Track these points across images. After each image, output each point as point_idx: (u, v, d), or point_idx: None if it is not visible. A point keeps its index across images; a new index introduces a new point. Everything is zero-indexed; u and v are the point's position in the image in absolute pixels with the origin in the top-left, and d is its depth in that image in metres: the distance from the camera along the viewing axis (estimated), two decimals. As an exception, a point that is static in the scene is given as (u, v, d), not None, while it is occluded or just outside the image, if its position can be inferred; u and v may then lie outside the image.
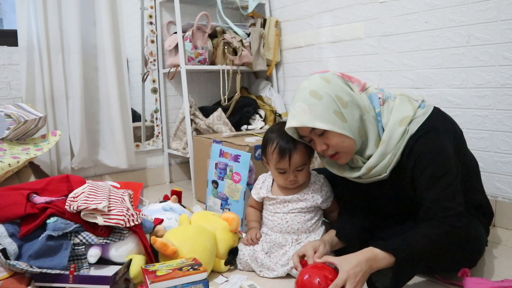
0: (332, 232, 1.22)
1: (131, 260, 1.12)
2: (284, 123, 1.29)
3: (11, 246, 1.04)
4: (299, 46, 2.36)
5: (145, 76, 2.34)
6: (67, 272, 1.03)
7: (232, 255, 1.28)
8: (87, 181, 1.29)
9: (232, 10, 2.55)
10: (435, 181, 1.03)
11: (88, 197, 1.15)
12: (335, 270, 0.98)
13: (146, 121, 2.46)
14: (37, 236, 1.08)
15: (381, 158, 1.09)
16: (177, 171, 2.56)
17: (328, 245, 1.15)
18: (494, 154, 1.60)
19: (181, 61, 2.16)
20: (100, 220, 1.10)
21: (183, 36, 2.17)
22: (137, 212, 1.25)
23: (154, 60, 2.38)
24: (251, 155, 1.54)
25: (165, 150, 2.48)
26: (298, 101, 1.07)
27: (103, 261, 1.12)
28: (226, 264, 1.26)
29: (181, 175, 2.58)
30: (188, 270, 1.02)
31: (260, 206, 1.40)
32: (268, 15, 2.49)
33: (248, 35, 2.36)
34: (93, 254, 1.09)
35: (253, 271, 1.25)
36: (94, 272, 1.07)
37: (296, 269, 1.11)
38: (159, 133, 2.45)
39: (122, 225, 1.12)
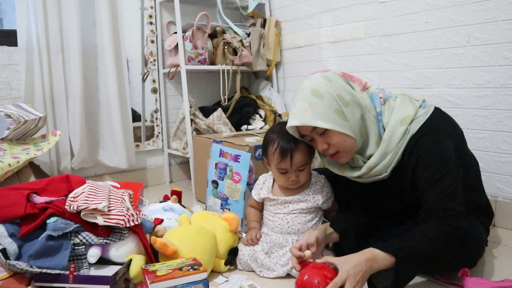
0: (327, 224, 1.22)
1: (131, 260, 1.12)
2: (285, 123, 1.29)
3: (11, 246, 1.04)
4: (299, 46, 2.36)
5: (145, 76, 2.34)
6: (67, 272, 1.03)
7: (232, 255, 1.28)
8: (87, 181, 1.29)
9: (232, 10, 2.55)
10: (435, 181, 1.03)
11: (88, 197, 1.15)
12: (335, 270, 0.98)
13: (146, 121, 2.46)
14: (37, 236, 1.08)
15: (381, 158, 1.09)
16: (177, 171, 2.56)
17: (318, 230, 1.15)
18: (494, 154, 1.60)
19: (181, 61, 2.16)
20: (100, 220, 1.10)
21: (183, 36, 2.17)
22: (137, 212, 1.25)
23: (154, 60, 2.38)
24: (251, 155, 1.54)
25: (165, 150, 2.48)
26: (299, 100, 1.07)
27: (103, 261, 1.12)
28: (226, 264, 1.26)
29: (181, 175, 2.58)
30: (188, 270, 1.02)
31: (260, 206, 1.40)
32: (268, 15, 2.49)
33: (248, 35, 2.36)
34: (93, 254, 1.09)
35: (253, 271, 1.25)
36: (94, 272, 1.07)
37: (295, 257, 1.10)
38: (159, 133, 2.46)
39: (122, 225, 1.12)
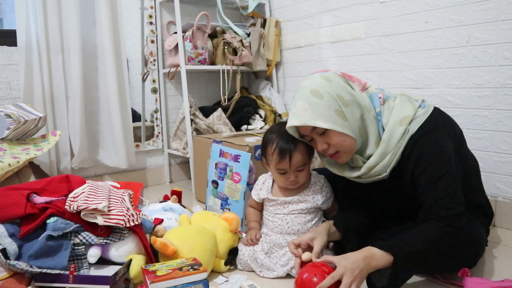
0: (330, 221, 1.22)
1: (131, 260, 1.12)
2: (284, 123, 1.29)
3: (11, 246, 1.04)
4: (299, 46, 2.36)
5: (145, 76, 2.34)
6: (67, 272, 1.03)
7: (232, 255, 1.28)
8: (87, 181, 1.29)
9: (232, 10, 2.55)
10: (435, 181, 1.03)
11: (88, 197, 1.15)
12: (334, 268, 0.98)
13: (146, 121, 2.46)
14: (37, 236, 1.08)
15: (381, 158, 1.09)
16: (177, 171, 2.56)
17: (324, 234, 1.14)
18: (494, 154, 1.60)
19: (181, 61, 2.16)
20: (100, 220, 1.10)
21: (183, 36, 2.17)
22: (137, 212, 1.25)
23: (154, 60, 2.38)
24: (251, 155, 1.54)
25: (165, 150, 2.48)
26: (299, 100, 1.08)
27: (103, 261, 1.12)
28: (226, 264, 1.26)
29: (181, 175, 2.58)
30: (188, 270, 1.02)
31: (260, 207, 1.40)
32: (268, 15, 2.49)
33: (248, 35, 2.36)
34: (93, 254, 1.09)
35: (253, 271, 1.25)
36: (94, 272, 1.07)
37: (294, 254, 1.11)
38: (159, 133, 2.46)
39: (122, 225, 1.12)
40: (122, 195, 1.30)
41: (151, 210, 1.50)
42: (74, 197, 1.16)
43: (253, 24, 2.45)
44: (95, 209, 1.11)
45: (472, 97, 1.62)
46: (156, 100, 2.42)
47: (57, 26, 1.96)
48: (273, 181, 1.35)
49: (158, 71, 2.41)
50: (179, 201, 1.62)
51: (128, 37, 2.38)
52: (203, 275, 1.01)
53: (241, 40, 2.29)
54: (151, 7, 2.34)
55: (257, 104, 2.39)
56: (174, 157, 2.53)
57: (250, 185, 1.51)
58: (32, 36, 1.91)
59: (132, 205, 1.29)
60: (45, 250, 1.03)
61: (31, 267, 1.01)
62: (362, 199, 1.27)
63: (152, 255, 1.18)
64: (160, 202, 1.61)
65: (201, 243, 1.22)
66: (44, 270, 1.01)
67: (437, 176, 1.03)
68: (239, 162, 1.55)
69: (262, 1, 2.46)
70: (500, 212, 1.59)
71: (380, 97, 1.14)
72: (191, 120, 2.22)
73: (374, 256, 0.98)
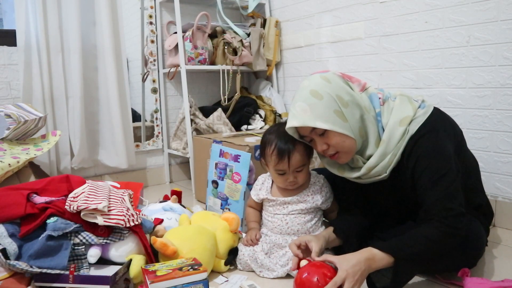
0: (330, 229, 1.22)
1: (131, 260, 1.12)
2: (282, 124, 1.29)
3: (11, 246, 1.04)
4: (299, 46, 2.36)
5: (145, 76, 2.34)
6: (67, 272, 1.03)
7: (232, 255, 1.28)
8: (87, 181, 1.29)
9: (232, 10, 2.55)
10: (435, 181, 1.03)
11: (88, 197, 1.15)
12: (334, 269, 0.98)
13: (146, 121, 2.46)
14: (37, 236, 1.08)
15: (381, 158, 1.09)
16: (177, 171, 2.56)
17: (322, 240, 1.14)
18: (494, 154, 1.60)
19: (181, 61, 2.16)
20: (100, 220, 1.10)
21: (183, 36, 2.17)
22: (137, 212, 1.25)
23: (154, 60, 2.38)
24: (251, 155, 1.54)
25: (165, 150, 2.48)
26: (298, 101, 1.07)
27: (103, 261, 1.12)
28: (226, 264, 1.26)
29: (181, 175, 2.58)
30: (188, 270, 1.02)
31: (259, 207, 1.39)
32: (268, 15, 2.49)
33: (248, 35, 2.36)
34: (93, 254, 1.09)
35: (253, 271, 1.25)
36: (94, 272, 1.07)
37: (296, 255, 1.10)
38: (159, 133, 2.46)
39: (122, 225, 1.12)
40: (122, 195, 1.30)
41: (151, 210, 1.50)
42: (74, 197, 1.16)
43: (253, 24, 2.45)
44: (95, 209, 1.11)
45: (472, 97, 1.62)
46: (156, 100, 2.42)
47: (57, 26, 1.96)
48: (273, 181, 1.35)
49: (158, 71, 2.41)
50: (179, 201, 1.62)
51: (128, 37, 2.38)
52: (203, 275, 1.01)
53: (241, 40, 2.29)
54: (151, 7, 2.34)
55: (257, 104, 2.39)
56: (174, 157, 2.53)
57: (250, 185, 1.51)
58: (32, 36, 1.91)
59: (132, 205, 1.29)
60: (45, 250, 1.03)
61: (31, 267, 1.01)
62: (362, 199, 1.27)
63: (152, 255, 1.18)
64: (160, 202, 1.61)
65: (201, 243, 1.22)
66: (44, 270, 1.01)
67: (437, 177, 1.03)
68: (239, 162, 1.55)
69: (262, 1, 2.46)
70: (500, 212, 1.59)
71: (379, 98, 1.14)
72: (191, 120, 2.22)
73: (375, 257, 0.98)
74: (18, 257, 1.04)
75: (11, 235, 1.06)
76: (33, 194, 1.19)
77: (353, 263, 0.96)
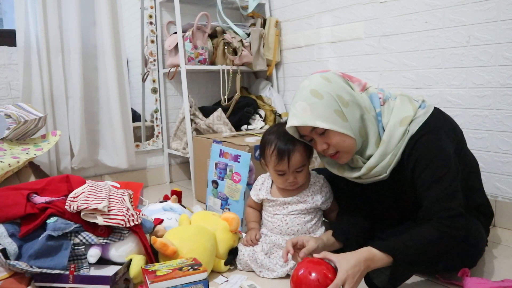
0: (329, 232, 1.22)
1: (131, 260, 1.12)
2: (282, 124, 1.29)
3: (11, 246, 1.04)
4: (299, 46, 2.36)
5: (145, 76, 2.34)
6: (67, 272, 1.03)
7: (232, 255, 1.28)
8: (87, 181, 1.29)
9: (232, 10, 2.55)
10: (435, 181, 1.03)
11: (88, 197, 1.15)
12: (331, 266, 0.99)
13: (146, 121, 2.46)
14: (37, 236, 1.08)
15: (381, 158, 1.09)
16: (177, 171, 2.56)
17: (320, 242, 1.14)
18: (494, 154, 1.60)
19: (181, 61, 2.16)
20: (100, 220, 1.10)
21: (183, 36, 2.17)
22: (137, 212, 1.25)
23: (154, 60, 2.38)
24: (251, 155, 1.54)
25: (165, 150, 2.48)
26: (299, 100, 1.07)
27: (103, 261, 1.12)
28: (226, 264, 1.26)
29: (181, 175, 2.58)
30: (188, 270, 1.02)
31: (259, 207, 1.39)
32: (268, 15, 2.49)
33: (248, 35, 2.36)
34: (93, 254, 1.09)
35: (253, 271, 1.25)
36: (94, 272, 1.07)
37: (289, 253, 1.12)
38: (159, 133, 2.46)
39: (122, 225, 1.12)
40: (122, 195, 1.30)
41: (151, 210, 1.50)
42: (74, 197, 1.16)
43: (253, 24, 2.45)
44: (95, 209, 1.11)
45: (472, 97, 1.62)
46: (156, 100, 2.42)
47: (57, 26, 1.95)
48: (272, 181, 1.35)
49: (158, 71, 2.41)
50: (179, 201, 1.62)
51: (128, 37, 2.38)
52: (203, 275, 1.01)
53: (241, 40, 2.29)
54: (151, 7, 2.34)
55: (257, 104, 2.39)
56: (174, 157, 2.53)
57: (250, 185, 1.51)
58: (32, 36, 1.91)
59: (132, 205, 1.29)
60: (45, 250, 1.03)
61: (31, 267, 1.01)
62: (362, 199, 1.27)
63: (152, 255, 1.18)
64: (160, 202, 1.61)
65: (201, 243, 1.22)
66: (44, 270, 1.01)
67: (436, 177, 1.03)
68: (239, 162, 1.55)
69: (262, 1, 2.46)
70: (500, 212, 1.59)
71: (380, 98, 1.14)
72: (191, 120, 2.22)
73: (374, 258, 0.99)
74: (18, 257, 1.04)
75: (11, 235, 1.06)
76: (33, 194, 1.19)
77: (352, 264, 0.96)
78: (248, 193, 1.47)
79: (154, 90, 2.41)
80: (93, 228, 1.12)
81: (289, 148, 1.21)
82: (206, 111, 2.28)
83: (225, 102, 2.28)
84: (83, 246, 1.09)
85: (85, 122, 2.07)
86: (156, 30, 2.37)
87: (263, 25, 2.44)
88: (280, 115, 2.39)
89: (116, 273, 1.06)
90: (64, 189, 1.26)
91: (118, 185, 1.53)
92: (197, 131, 2.26)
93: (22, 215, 1.10)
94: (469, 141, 1.31)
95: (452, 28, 1.64)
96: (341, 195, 1.33)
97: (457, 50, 1.64)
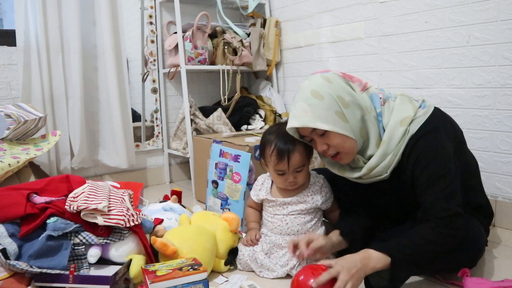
0: (336, 232, 1.21)
1: (131, 260, 1.12)
2: (282, 124, 1.29)
3: (11, 246, 1.04)
4: (299, 46, 2.36)
5: (145, 76, 2.34)
6: (67, 272, 1.03)
7: (232, 255, 1.28)
8: (87, 181, 1.29)
9: (232, 10, 2.55)
10: (434, 181, 1.03)
11: (88, 197, 1.15)
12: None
13: (146, 121, 2.46)
14: (37, 236, 1.08)
15: (382, 159, 1.09)
16: (177, 171, 2.56)
17: (328, 240, 1.14)
18: (494, 154, 1.60)
19: (181, 61, 2.16)
20: (100, 220, 1.10)
21: (183, 36, 2.17)
22: (137, 212, 1.25)
23: (154, 60, 2.38)
24: (251, 155, 1.54)
25: (165, 150, 2.48)
26: (299, 101, 1.07)
27: (103, 261, 1.12)
28: (226, 264, 1.26)
29: (181, 175, 2.58)
30: (188, 270, 1.02)
31: (259, 207, 1.39)
32: (268, 15, 2.49)
33: (248, 35, 2.36)
34: (93, 254, 1.09)
35: (253, 271, 1.25)
36: (94, 272, 1.07)
37: (290, 250, 1.13)
38: (159, 133, 2.46)
39: (122, 225, 1.12)
40: (122, 195, 1.30)
41: (151, 210, 1.50)
42: (74, 197, 1.16)
43: (253, 24, 2.45)
44: (95, 209, 1.11)
45: (472, 97, 1.62)
46: (156, 100, 2.42)
47: (57, 26, 1.96)
48: (272, 181, 1.35)
49: (158, 71, 2.41)
50: (179, 201, 1.62)
51: (128, 37, 2.38)
52: (203, 275, 1.01)
53: (241, 40, 2.29)
54: (151, 7, 2.34)
55: (257, 104, 2.39)
56: (174, 157, 2.53)
57: (250, 185, 1.51)
58: (31, 36, 1.91)
59: (132, 205, 1.29)
60: (45, 250, 1.03)
61: (31, 267, 1.01)
62: (363, 199, 1.27)
63: (152, 255, 1.18)
64: (160, 202, 1.61)
65: (201, 243, 1.22)
66: (44, 270, 1.01)
67: (436, 177, 1.03)
68: (239, 162, 1.55)
69: (262, 1, 2.46)
70: (500, 212, 1.59)
71: (380, 98, 1.14)
72: (191, 120, 2.22)
73: (371, 257, 0.99)
74: (18, 257, 1.04)
75: (11, 235, 1.06)
76: (33, 194, 1.19)
77: (348, 260, 0.97)
78: (248, 193, 1.47)
79: (154, 90, 2.41)
80: (93, 228, 1.12)
81: (289, 148, 1.21)
82: (206, 111, 2.28)
83: (225, 102, 2.28)
84: (83, 246, 1.09)
85: (85, 122, 2.07)
86: (156, 30, 2.37)
87: (263, 25, 2.44)
88: (280, 115, 2.39)
89: (116, 273, 1.06)
90: (64, 189, 1.26)
91: (118, 185, 1.53)
92: (197, 131, 2.26)
93: (22, 215, 1.10)
94: (469, 141, 1.31)
95: (452, 28, 1.64)
96: (343, 195, 1.33)
97: (457, 50, 1.64)
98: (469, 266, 1.12)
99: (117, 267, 1.09)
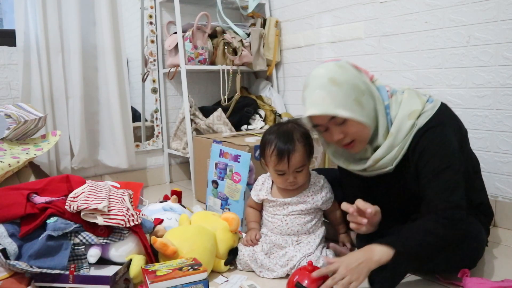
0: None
1: (131, 260, 1.12)
2: (282, 124, 1.29)
3: (11, 246, 1.04)
4: (299, 46, 2.36)
5: (145, 76, 2.34)
6: (67, 272, 1.03)
7: (232, 255, 1.28)
8: (87, 181, 1.29)
9: (232, 10, 2.55)
10: (438, 173, 1.03)
11: (88, 197, 1.15)
12: (326, 274, 1.01)
13: (146, 121, 2.46)
14: (37, 236, 1.08)
15: (388, 150, 1.09)
16: (177, 171, 2.56)
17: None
18: (494, 154, 1.59)
19: (181, 61, 2.16)
20: (100, 220, 1.10)
21: (183, 36, 2.17)
22: (137, 212, 1.25)
23: (154, 60, 2.38)
24: (251, 155, 1.54)
25: (165, 150, 2.48)
26: (316, 89, 1.05)
27: (103, 261, 1.12)
28: (226, 264, 1.26)
29: (181, 175, 2.58)
30: (188, 270, 1.02)
31: (259, 207, 1.39)
32: (268, 15, 2.49)
33: (248, 35, 2.36)
34: (93, 254, 1.09)
35: (253, 271, 1.25)
36: (94, 272, 1.07)
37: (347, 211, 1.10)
38: (159, 133, 2.46)
39: (122, 225, 1.12)
40: (122, 195, 1.30)
41: (151, 210, 1.50)
42: (74, 197, 1.16)
43: (253, 24, 2.45)
44: (95, 209, 1.11)
45: (472, 97, 1.62)
46: (156, 100, 2.42)
47: (57, 26, 1.95)
48: (273, 181, 1.35)
49: (158, 71, 2.41)
50: (179, 201, 1.62)
51: (128, 37, 2.38)
52: (203, 275, 1.01)
53: (241, 40, 2.29)
54: (151, 7, 2.34)
55: (257, 104, 2.39)
56: (174, 157, 2.53)
57: (250, 185, 1.51)
58: (31, 36, 1.91)
59: (132, 205, 1.29)
60: (45, 250, 1.03)
61: (31, 267, 1.01)
62: (367, 196, 1.26)
63: (152, 255, 1.18)
64: (160, 202, 1.61)
65: (201, 243, 1.22)
66: (44, 270, 1.01)
67: (440, 169, 1.03)
68: (239, 162, 1.55)
69: (262, 1, 2.46)
70: (500, 212, 1.59)
71: (387, 90, 1.14)
72: (191, 120, 2.22)
73: (374, 251, 0.99)
74: (18, 257, 1.04)
75: (11, 235, 1.06)
76: (33, 194, 1.19)
77: (349, 257, 0.98)
78: (248, 193, 1.47)
79: (154, 90, 2.41)
80: (93, 228, 1.12)
81: (289, 148, 1.21)
82: (206, 111, 2.28)
83: (225, 102, 2.28)
84: (83, 246, 1.09)
85: (85, 122, 2.07)
86: (156, 30, 2.37)
87: (263, 25, 2.44)
88: (280, 115, 2.39)
89: (116, 273, 1.06)
90: (64, 189, 1.26)
91: (118, 185, 1.53)
92: (197, 131, 2.26)
93: (22, 215, 1.10)
94: (470, 141, 1.31)
95: (452, 28, 1.64)
96: (348, 191, 1.32)
97: (457, 50, 1.64)
98: (469, 266, 1.12)
99: (117, 267, 1.09)
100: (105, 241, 1.11)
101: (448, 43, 1.66)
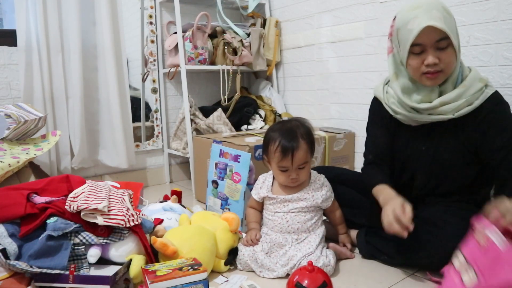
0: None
1: (131, 260, 1.12)
2: (285, 121, 1.31)
3: (11, 246, 1.04)
4: (299, 46, 2.36)
5: (145, 76, 2.34)
6: (67, 272, 1.03)
7: (232, 255, 1.28)
8: (87, 181, 1.29)
9: (232, 10, 2.55)
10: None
11: (88, 197, 1.15)
12: (325, 273, 1.02)
13: (146, 120, 2.46)
14: (37, 236, 1.08)
15: (456, 98, 1.14)
16: (177, 171, 2.56)
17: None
18: (494, 154, 1.59)
19: (181, 61, 2.16)
20: (100, 220, 1.10)
21: (183, 36, 2.17)
22: (137, 212, 1.25)
23: (154, 60, 2.39)
24: (251, 155, 1.54)
25: (165, 150, 2.48)
26: (433, 9, 1.08)
27: (103, 261, 1.12)
28: (226, 264, 1.26)
29: (181, 175, 2.58)
30: (188, 270, 1.02)
31: (260, 207, 1.39)
32: (268, 15, 2.49)
33: (248, 35, 2.36)
34: (93, 254, 1.09)
35: (253, 271, 1.25)
36: (94, 272, 1.07)
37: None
38: (159, 133, 2.46)
39: (122, 225, 1.12)
40: (122, 195, 1.30)
41: (151, 210, 1.50)
42: (74, 197, 1.16)
43: (253, 24, 2.45)
44: (95, 209, 1.11)
45: (472, 97, 1.62)
46: (156, 100, 2.42)
47: (57, 26, 1.96)
48: (273, 179, 1.36)
49: (158, 71, 2.41)
50: (179, 201, 1.62)
51: (128, 37, 2.38)
52: (203, 275, 1.01)
53: (241, 40, 2.29)
54: (151, 7, 2.34)
55: (257, 104, 2.39)
56: (174, 157, 2.53)
57: (250, 185, 1.51)
58: (32, 36, 1.91)
59: (132, 205, 1.29)
60: (45, 250, 1.03)
61: (31, 267, 1.01)
62: (410, 150, 1.27)
63: (152, 255, 1.18)
64: (160, 202, 1.61)
65: (201, 243, 1.22)
66: (44, 270, 1.01)
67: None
68: (239, 162, 1.55)
69: (262, 1, 2.46)
70: (500, 212, 1.59)
71: None
72: (191, 120, 2.22)
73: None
74: (18, 257, 1.04)
75: (11, 235, 1.07)
76: (33, 194, 1.19)
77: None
78: (248, 193, 1.48)
79: (154, 90, 2.41)
80: (93, 228, 1.12)
81: (293, 145, 1.23)
82: (206, 111, 2.28)
83: (225, 102, 2.28)
84: (83, 246, 1.09)
85: (85, 122, 2.07)
86: (156, 30, 2.37)
87: (263, 25, 2.44)
88: (280, 115, 2.39)
89: (116, 273, 1.06)
90: (64, 189, 1.26)
91: (118, 185, 1.53)
92: (197, 131, 2.26)
93: (22, 215, 1.10)
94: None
95: (452, 28, 1.64)
96: (397, 142, 1.31)
97: (457, 50, 1.64)
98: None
99: (117, 267, 1.09)
100: (105, 241, 1.11)
101: (448, 43, 1.66)
